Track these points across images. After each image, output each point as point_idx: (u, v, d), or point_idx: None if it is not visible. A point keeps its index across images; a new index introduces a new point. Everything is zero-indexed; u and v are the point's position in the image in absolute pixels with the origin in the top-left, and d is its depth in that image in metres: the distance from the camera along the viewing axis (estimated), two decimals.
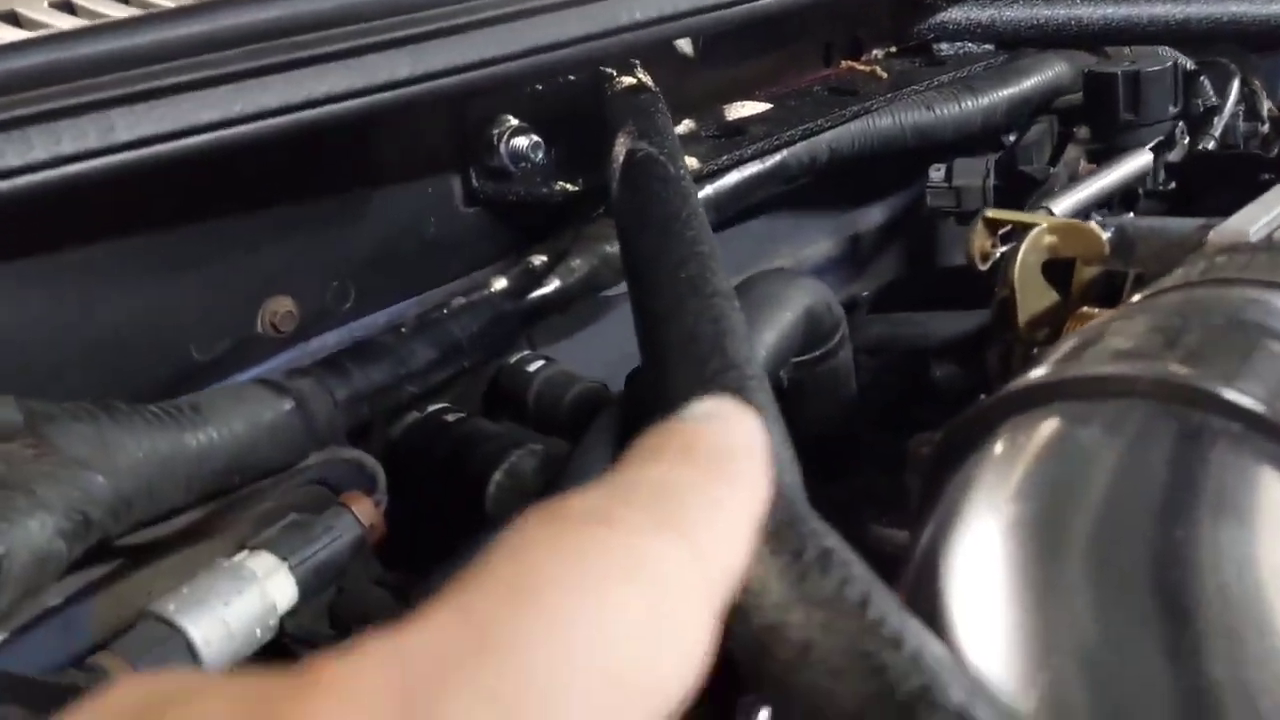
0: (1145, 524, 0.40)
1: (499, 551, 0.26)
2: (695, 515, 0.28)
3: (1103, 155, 1.08)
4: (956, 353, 0.97)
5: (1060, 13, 1.15)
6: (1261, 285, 0.51)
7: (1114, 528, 0.40)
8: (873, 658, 0.33)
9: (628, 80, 0.87)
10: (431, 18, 0.67)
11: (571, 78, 0.86)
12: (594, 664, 0.24)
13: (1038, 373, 0.48)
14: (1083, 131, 1.14)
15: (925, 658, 0.32)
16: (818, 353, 0.77)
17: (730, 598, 0.30)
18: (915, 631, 0.33)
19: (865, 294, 1.22)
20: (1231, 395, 0.42)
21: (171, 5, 0.63)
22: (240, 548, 0.63)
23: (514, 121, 0.83)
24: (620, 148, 0.76)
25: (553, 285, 0.81)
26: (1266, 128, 1.17)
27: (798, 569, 0.37)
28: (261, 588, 0.58)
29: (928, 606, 0.43)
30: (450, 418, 0.78)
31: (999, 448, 0.47)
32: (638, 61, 0.88)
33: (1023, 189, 1.07)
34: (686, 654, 0.26)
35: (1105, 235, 0.67)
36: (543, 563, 0.25)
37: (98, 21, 0.69)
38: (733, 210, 0.95)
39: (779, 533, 0.38)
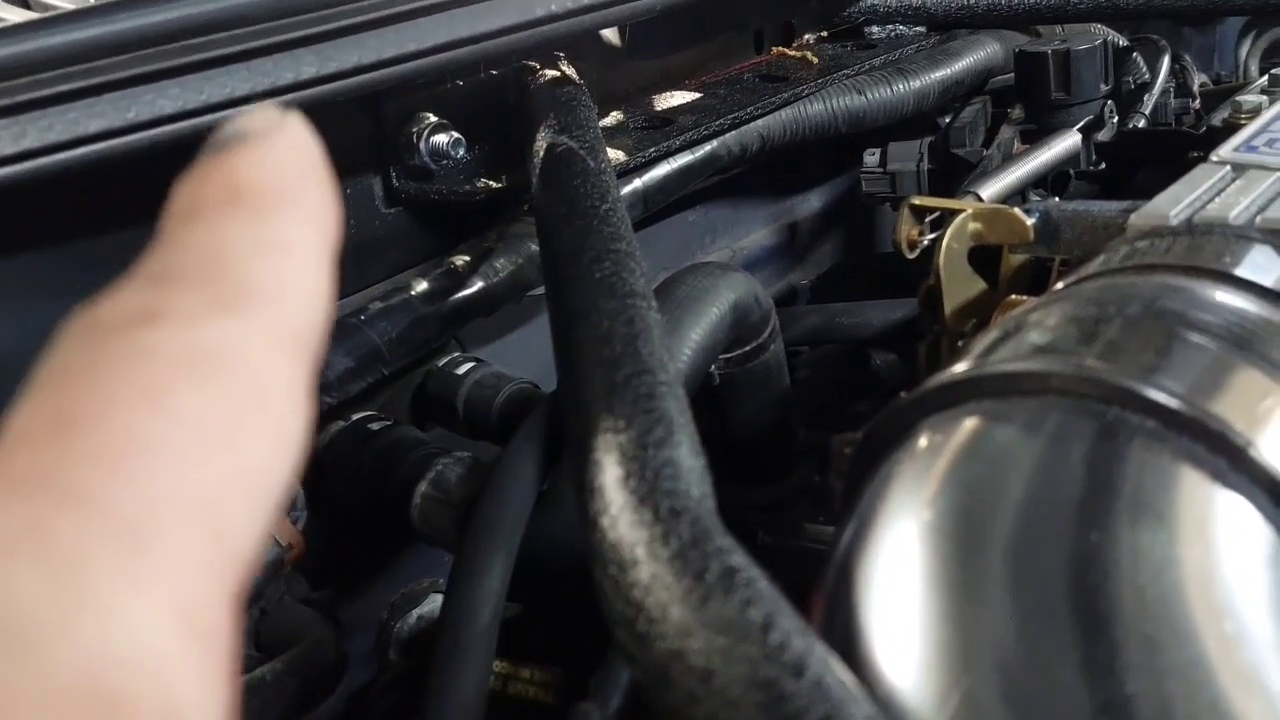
0: (1062, 527, 0.39)
1: (34, 394, 0.21)
2: (259, 275, 0.23)
3: (1036, 135, 1.07)
4: (895, 342, 0.96)
5: None
6: (1180, 271, 0.50)
7: (1031, 531, 0.39)
8: (773, 687, 0.31)
9: (550, 73, 0.85)
10: (339, 14, 0.65)
11: (493, 72, 0.83)
12: (182, 497, 0.20)
13: (956, 369, 0.47)
14: (1017, 112, 1.13)
15: (828, 686, 0.31)
16: (748, 347, 0.76)
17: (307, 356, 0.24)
18: (819, 657, 0.32)
19: (805, 282, 1.20)
20: (1148, 391, 0.41)
21: (69, 7, 0.61)
22: None
23: (433, 119, 0.81)
24: (541, 142, 0.74)
25: (476, 286, 0.79)
26: (1197, 103, 1.17)
27: (700, 591, 0.35)
28: None
29: (845, 612, 0.42)
30: (375, 426, 0.75)
31: (917, 448, 0.45)
32: (562, 54, 0.86)
33: (957, 172, 1.06)
34: (283, 434, 0.22)
35: (1030, 221, 0.66)
36: (87, 394, 0.20)
37: None
38: (663, 202, 0.93)
39: (682, 554, 0.37)
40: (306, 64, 0.63)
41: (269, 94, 0.62)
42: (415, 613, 0.86)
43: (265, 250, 0.23)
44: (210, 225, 0.23)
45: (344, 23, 0.64)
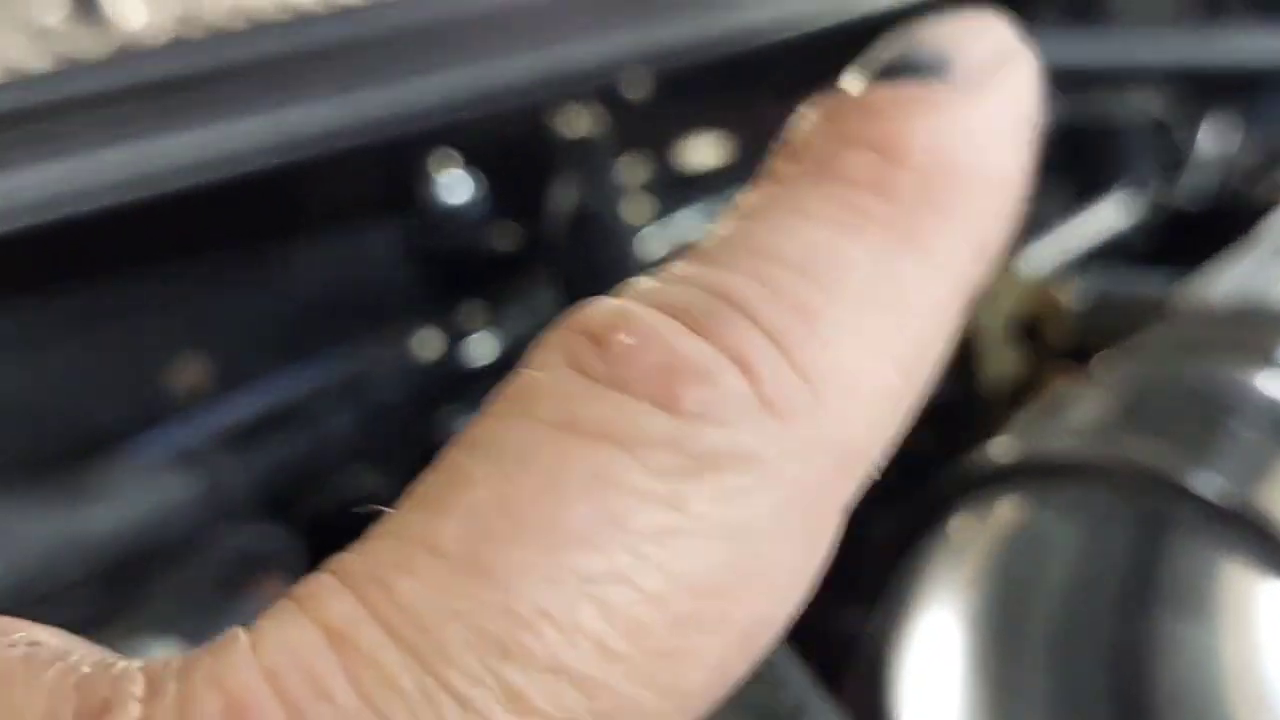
0: (1101, 619, 0.40)
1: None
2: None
3: (1078, 203, 1.09)
4: (930, 415, 0.98)
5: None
6: (1222, 355, 0.52)
7: (1069, 623, 0.41)
8: None
9: (573, 126, 0.87)
10: (361, 67, 0.68)
11: (514, 122, 0.86)
12: None
13: (993, 452, 0.49)
14: (1056, 179, 1.16)
15: None
16: None
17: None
18: None
19: None
20: (1189, 480, 0.43)
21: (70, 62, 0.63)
22: (148, 629, 0.62)
23: (452, 170, 0.83)
24: (561, 200, 0.76)
25: (488, 344, 0.81)
26: (1243, 176, 1.19)
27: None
28: None
29: (877, 703, 0.43)
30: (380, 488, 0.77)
31: (953, 533, 0.47)
32: (584, 104, 0.89)
33: None
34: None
35: (1070, 295, 0.68)
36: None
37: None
38: None
39: None
40: (326, 113, 0.66)
41: (286, 145, 0.64)
42: None
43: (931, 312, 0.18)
44: (866, 243, 0.18)
45: (363, 74, 0.67)
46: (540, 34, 0.76)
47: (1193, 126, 1.20)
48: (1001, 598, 0.43)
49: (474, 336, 0.81)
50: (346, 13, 0.70)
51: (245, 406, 0.76)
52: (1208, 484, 0.43)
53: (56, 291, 0.67)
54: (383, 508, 0.19)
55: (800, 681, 0.36)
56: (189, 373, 0.72)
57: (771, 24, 0.87)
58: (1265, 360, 0.52)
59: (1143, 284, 0.67)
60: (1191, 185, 1.09)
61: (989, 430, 0.70)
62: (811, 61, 1.15)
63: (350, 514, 0.69)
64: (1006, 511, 0.46)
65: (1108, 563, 0.42)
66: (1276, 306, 0.56)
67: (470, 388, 0.83)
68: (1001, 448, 0.49)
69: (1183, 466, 0.44)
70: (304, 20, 0.69)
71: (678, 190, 0.92)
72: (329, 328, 0.81)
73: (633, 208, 0.85)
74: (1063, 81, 1.12)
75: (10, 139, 0.57)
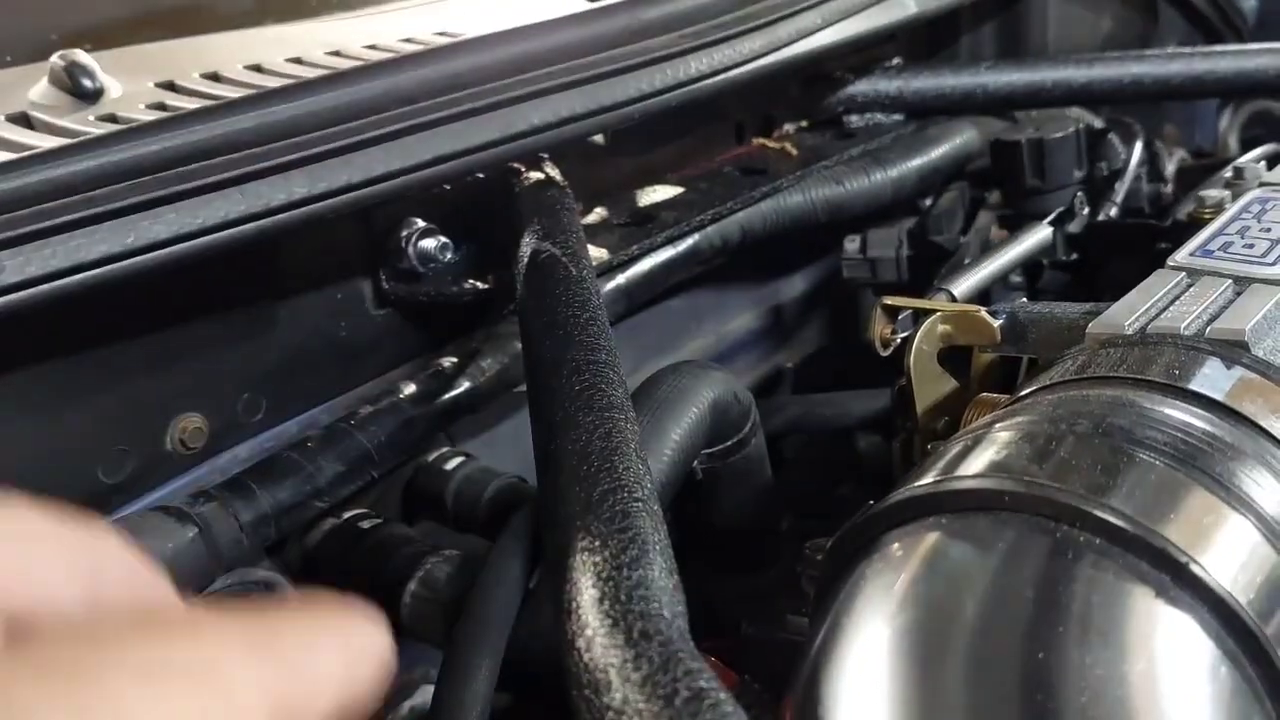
0: (1013, 645, 0.41)
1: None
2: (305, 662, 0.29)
3: (1013, 220, 1.11)
4: (879, 427, 0.99)
5: (966, 81, 1.18)
6: (1131, 385, 0.53)
7: (984, 649, 0.42)
8: None
9: (535, 175, 0.88)
10: (328, 136, 0.68)
11: (479, 175, 0.87)
12: None
13: (918, 484, 0.50)
14: (994, 197, 1.17)
15: None
16: (729, 443, 0.78)
17: None
18: None
19: (790, 365, 1.23)
20: (1094, 509, 0.44)
21: (58, 143, 0.64)
22: None
23: (421, 223, 0.84)
24: (525, 248, 0.77)
25: (463, 386, 0.82)
26: (1170, 188, 1.21)
27: (668, 714, 0.38)
28: None
29: (814, 717, 0.44)
30: (366, 524, 0.78)
31: (881, 560, 0.48)
32: (545, 155, 0.89)
33: (936, 257, 1.09)
34: None
35: (997, 323, 0.69)
36: None
37: None
38: (645, 297, 0.96)
39: (652, 678, 0.39)
40: (298, 185, 0.66)
41: (262, 215, 0.65)
42: (407, 704, 0.88)
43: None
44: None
45: (333, 145, 0.68)
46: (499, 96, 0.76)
47: (1124, 139, 1.22)
48: (924, 621, 0.44)
49: (449, 379, 0.82)
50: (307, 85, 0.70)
51: (240, 455, 0.77)
52: (1112, 512, 0.44)
53: (66, 359, 0.68)
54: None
55: None
56: (188, 429, 0.73)
57: (711, 72, 0.87)
58: (1169, 389, 0.53)
59: (1062, 310, 0.68)
60: (1119, 201, 1.10)
61: (922, 453, 0.72)
62: (749, 101, 1.16)
63: (334, 542, 0.68)
64: (929, 541, 0.47)
65: (1019, 591, 0.43)
66: (1182, 336, 0.57)
67: (444, 425, 0.83)
68: (925, 480, 0.50)
69: (1089, 496, 0.45)
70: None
71: (634, 231, 0.93)
72: (318, 376, 0.82)
73: (592, 249, 0.85)
74: (998, 99, 1.13)
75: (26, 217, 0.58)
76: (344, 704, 0.30)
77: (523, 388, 0.88)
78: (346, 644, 0.30)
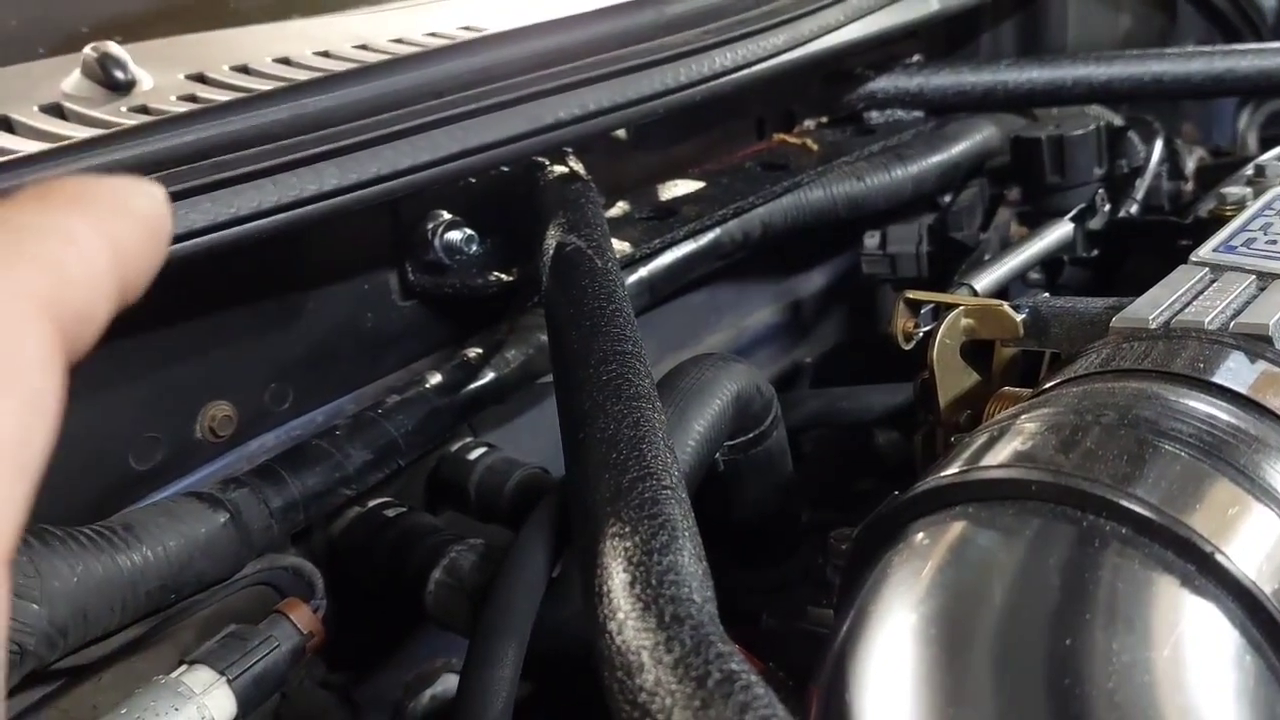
0: (1039, 631, 0.41)
1: None
2: (37, 250, 0.25)
3: (1032, 218, 1.11)
4: (898, 422, 0.99)
5: (986, 78, 1.18)
6: (1156, 377, 0.53)
7: (1011, 636, 0.42)
8: None
9: (559, 169, 0.89)
10: (358, 129, 0.69)
11: (504, 169, 0.87)
12: None
13: (944, 473, 0.50)
14: (1014, 193, 1.17)
15: None
16: (750, 435, 0.79)
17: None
18: None
19: (809, 360, 1.24)
20: (1121, 499, 0.44)
21: (91, 133, 0.64)
22: (180, 659, 0.63)
23: (447, 216, 0.85)
24: (550, 240, 0.78)
25: (488, 377, 0.83)
26: (1190, 185, 1.20)
27: (701, 696, 0.38)
28: (199, 704, 0.59)
29: (839, 709, 0.44)
30: (391, 513, 0.79)
31: (908, 549, 0.48)
32: (570, 149, 0.90)
33: (955, 254, 1.09)
34: (34, 406, 0.24)
35: (1019, 317, 0.69)
36: None
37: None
38: (668, 290, 0.97)
39: (684, 660, 0.40)
40: (329, 176, 0.67)
41: (294, 205, 0.66)
42: (429, 692, 0.89)
43: (52, 234, 0.26)
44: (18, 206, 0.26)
45: (363, 137, 0.68)
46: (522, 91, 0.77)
47: (1144, 136, 1.22)
48: (951, 609, 0.44)
49: (474, 370, 0.83)
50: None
51: (268, 443, 0.78)
52: (1138, 502, 0.44)
53: (94, 347, 0.68)
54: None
55: None
56: (217, 417, 0.74)
57: (734, 67, 0.88)
58: (1194, 381, 0.53)
59: (1084, 306, 0.68)
60: (1139, 198, 1.10)
61: (945, 447, 0.72)
62: (770, 97, 1.16)
63: (359, 530, 0.69)
64: (955, 530, 0.47)
65: (1045, 579, 0.43)
66: (1206, 330, 0.57)
67: (469, 415, 0.84)
68: (951, 470, 0.50)
69: (1115, 486, 0.45)
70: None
71: (656, 225, 0.93)
72: (344, 367, 0.82)
73: (615, 243, 0.86)
74: (1018, 96, 1.13)
75: None
76: (124, 277, 0.28)
77: (546, 379, 0.89)
78: (103, 215, 0.28)
